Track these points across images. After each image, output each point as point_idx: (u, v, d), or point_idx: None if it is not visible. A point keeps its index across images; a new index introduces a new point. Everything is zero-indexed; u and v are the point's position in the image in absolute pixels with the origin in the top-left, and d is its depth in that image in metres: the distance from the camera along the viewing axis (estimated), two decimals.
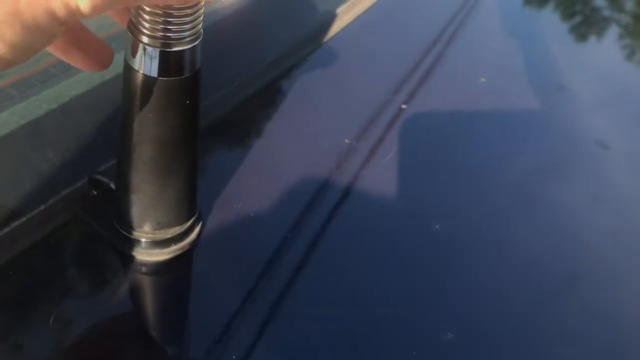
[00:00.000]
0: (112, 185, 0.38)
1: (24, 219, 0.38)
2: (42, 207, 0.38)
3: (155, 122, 0.31)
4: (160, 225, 0.36)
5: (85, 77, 0.48)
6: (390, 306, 0.39)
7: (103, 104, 0.46)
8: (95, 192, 0.40)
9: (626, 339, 0.42)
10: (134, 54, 0.29)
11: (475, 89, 0.62)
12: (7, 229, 0.37)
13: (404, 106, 0.53)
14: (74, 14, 0.21)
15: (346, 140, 0.49)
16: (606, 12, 0.93)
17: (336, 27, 0.61)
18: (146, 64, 0.29)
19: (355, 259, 0.41)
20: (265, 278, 0.38)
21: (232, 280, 0.38)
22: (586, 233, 0.50)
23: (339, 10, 0.63)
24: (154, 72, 0.29)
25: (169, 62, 0.29)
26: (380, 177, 0.47)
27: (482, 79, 0.63)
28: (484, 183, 0.51)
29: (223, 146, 0.46)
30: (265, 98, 0.52)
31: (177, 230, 0.37)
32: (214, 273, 0.38)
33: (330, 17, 0.62)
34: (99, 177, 0.39)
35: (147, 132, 0.31)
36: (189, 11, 0.27)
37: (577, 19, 0.87)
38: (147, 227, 0.36)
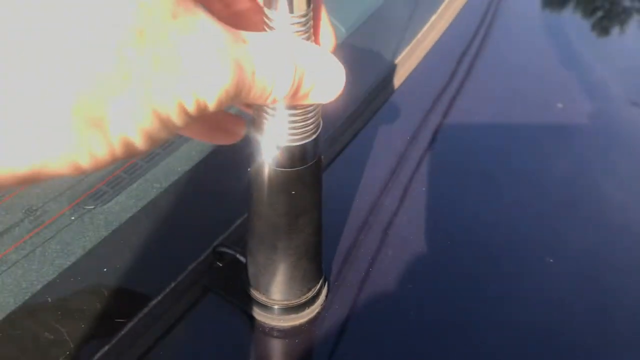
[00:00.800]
0: (239, 257, 0.40)
1: (158, 298, 0.39)
2: (172, 284, 0.40)
3: (283, 206, 0.32)
4: (294, 294, 0.37)
5: (185, 153, 0.50)
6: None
7: (208, 178, 0.48)
8: (220, 264, 0.41)
9: None
10: (259, 149, 0.30)
11: (511, 93, 0.62)
12: (143, 311, 0.38)
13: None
14: (202, 110, 0.22)
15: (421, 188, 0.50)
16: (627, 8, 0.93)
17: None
18: (273, 156, 0.30)
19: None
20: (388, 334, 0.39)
21: (362, 335, 0.39)
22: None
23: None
24: (280, 164, 0.30)
25: (293, 154, 0.30)
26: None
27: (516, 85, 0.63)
28: (531, 187, 0.51)
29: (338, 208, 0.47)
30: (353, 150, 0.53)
31: (309, 295, 0.38)
32: (346, 334, 0.39)
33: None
34: (223, 248, 0.41)
35: (276, 215, 0.33)
36: (310, 107, 0.29)
37: (600, 13, 0.87)
38: (279, 297, 0.37)
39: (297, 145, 0.29)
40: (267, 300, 0.37)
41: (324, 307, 0.39)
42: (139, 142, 0.21)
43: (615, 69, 0.73)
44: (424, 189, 0.50)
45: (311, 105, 0.28)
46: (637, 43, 0.83)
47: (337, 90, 0.26)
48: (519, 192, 0.51)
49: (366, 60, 0.63)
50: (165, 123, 0.21)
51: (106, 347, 0.36)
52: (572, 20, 0.84)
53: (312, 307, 0.38)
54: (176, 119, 0.21)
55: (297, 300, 0.37)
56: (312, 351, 0.38)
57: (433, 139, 0.55)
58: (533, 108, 0.62)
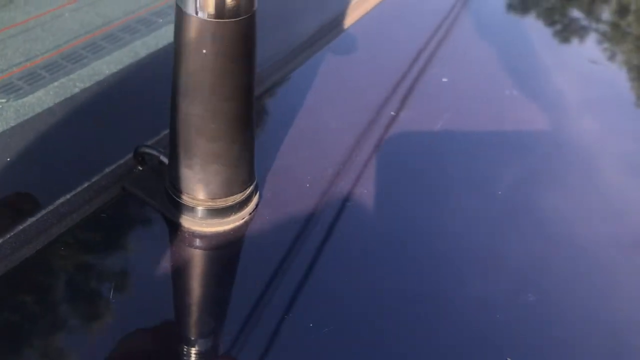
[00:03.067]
0: (162, 158, 0.36)
1: (68, 195, 0.35)
2: (87, 184, 0.36)
3: (211, 72, 0.29)
4: (219, 194, 0.34)
5: (117, 58, 0.46)
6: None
7: (138, 82, 0.44)
8: (141, 168, 0.38)
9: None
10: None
11: (460, 96, 0.60)
12: (51, 207, 0.35)
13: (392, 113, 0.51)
14: None
15: (392, 113, 0.48)
16: (584, 22, 0.94)
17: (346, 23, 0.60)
18: (200, 6, 0.27)
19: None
20: (321, 252, 0.36)
21: (288, 249, 0.36)
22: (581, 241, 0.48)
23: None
24: (209, 14, 0.27)
25: (224, 1, 0.27)
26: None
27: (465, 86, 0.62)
28: (473, 193, 0.49)
29: (275, 114, 0.44)
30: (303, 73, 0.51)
31: (236, 198, 0.35)
32: (271, 245, 0.36)
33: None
34: (147, 149, 0.37)
35: (201, 88, 0.29)
36: None
37: (557, 27, 0.88)
38: (204, 195, 0.34)
39: None
40: (191, 201, 0.34)
41: (252, 216, 0.36)
42: None
43: (569, 80, 0.72)
44: (371, 134, 0.47)
45: None
46: (591, 55, 0.83)
47: None
48: (462, 197, 0.48)
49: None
50: None
51: (6, 236, 0.32)
52: (531, 31, 0.84)
53: (240, 214, 0.35)
54: None
55: (222, 203, 0.34)
56: (234, 261, 0.35)
57: (380, 86, 0.53)
58: (481, 112, 0.60)
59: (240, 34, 0.28)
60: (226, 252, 0.35)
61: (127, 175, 0.37)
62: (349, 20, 0.57)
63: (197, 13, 0.27)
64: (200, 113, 0.30)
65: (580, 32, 0.88)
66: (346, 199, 0.39)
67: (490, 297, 0.38)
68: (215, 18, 0.27)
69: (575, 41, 0.85)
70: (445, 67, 0.61)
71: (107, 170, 0.37)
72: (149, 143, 0.39)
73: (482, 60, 0.68)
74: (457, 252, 0.39)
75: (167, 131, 0.36)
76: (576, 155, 0.59)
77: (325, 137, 0.44)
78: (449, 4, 0.70)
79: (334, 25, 0.56)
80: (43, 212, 0.34)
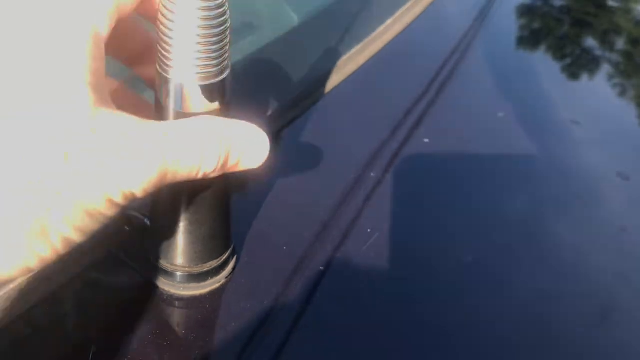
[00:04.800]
0: (147, 221, 0.38)
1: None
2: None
3: None
4: (196, 261, 0.36)
5: None
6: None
7: None
8: (127, 229, 0.39)
9: None
10: (164, 90, 0.29)
11: (464, 129, 0.62)
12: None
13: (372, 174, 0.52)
14: (129, 199, 0.26)
15: (372, 174, 0.49)
16: (598, 52, 0.96)
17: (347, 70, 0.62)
18: (176, 99, 0.29)
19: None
20: (302, 311, 0.38)
21: (266, 312, 0.37)
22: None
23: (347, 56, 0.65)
24: (187, 107, 0.29)
25: (197, 95, 0.29)
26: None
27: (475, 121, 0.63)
28: (490, 220, 0.51)
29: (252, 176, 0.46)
30: (287, 134, 0.53)
31: (213, 264, 0.36)
32: (250, 307, 0.37)
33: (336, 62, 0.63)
34: (132, 213, 0.39)
35: None
36: (214, 47, 0.28)
37: (569, 60, 0.89)
38: (182, 262, 0.36)
39: (206, 85, 0.28)
40: (169, 266, 0.36)
41: (229, 280, 0.38)
42: (75, 236, 0.25)
43: (579, 113, 0.74)
44: (350, 183, 0.49)
45: (218, 35, 0.27)
46: (603, 90, 0.84)
47: (263, 157, 0.30)
48: (469, 223, 0.50)
49: (312, 53, 0.62)
50: (96, 216, 0.25)
51: None
52: (542, 63, 0.85)
53: (217, 278, 0.37)
54: (106, 211, 0.25)
55: (199, 269, 0.36)
56: (212, 323, 0.37)
57: (365, 145, 0.54)
58: (485, 142, 0.62)
59: None
60: (204, 314, 0.37)
61: (113, 236, 0.39)
62: (331, 83, 0.59)
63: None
64: (177, 191, 0.32)
65: (592, 64, 0.89)
66: (323, 263, 0.41)
67: (497, 326, 0.40)
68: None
69: (585, 73, 0.86)
70: (454, 100, 0.62)
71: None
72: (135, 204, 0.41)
73: (490, 88, 0.69)
74: (463, 283, 0.41)
75: None
76: (585, 186, 0.59)
77: (304, 199, 0.46)
78: (457, 35, 0.72)
79: (316, 87, 0.58)
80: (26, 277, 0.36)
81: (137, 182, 0.25)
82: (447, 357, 0.39)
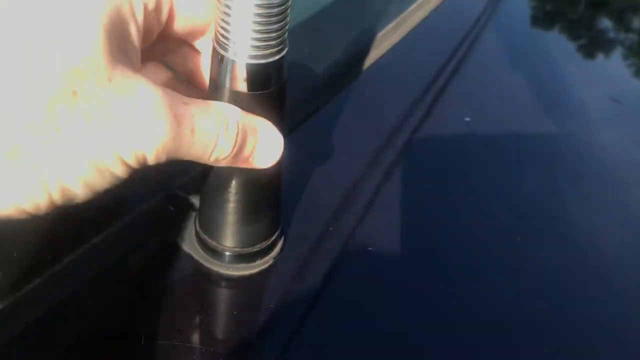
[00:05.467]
0: (193, 201, 0.38)
1: (103, 235, 0.37)
2: (121, 223, 0.38)
3: None
4: (245, 242, 0.35)
5: None
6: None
7: None
8: (172, 208, 0.39)
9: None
10: (221, 69, 0.28)
11: (484, 110, 0.61)
12: (86, 246, 0.36)
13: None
14: (141, 162, 0.24)
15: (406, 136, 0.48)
16: (612, 34, 0.93)
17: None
18: (234, 80, 0.28)
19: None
20: (344, 294, 0.37)
21: (314, 292, 0.37)
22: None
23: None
24: (241, 87, 0.28)
25: (256, 76, 0.28)
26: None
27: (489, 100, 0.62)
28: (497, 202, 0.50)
29: (301, 157, 0.46)
30: (325, 113, 0.52)
31: (262, 245, 0.36)
32: (298, 287, 0.37)
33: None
34: (178, 192, 0.39)
35: None
36: (275, 25, 0.27)
37: (583, 40, 0.87)
38: (231, 242, 0.35)
39: (260, 65, 0.27)
40: (218, 246, 0.35)
41: (277, 260, 0.37)
42: (79, 189, 0.23)
43: (594, 94, 0.72)
44: (389, 166, 0.48)
45: (276, 15, 0.26)
46: (617, 70, 0.83)
47: (276, 157, 0.30)
48: (485, 203, 0.49)
49: (349, 28, 0.61)
50: (105, 174, 0.23)
51: (36, 281, 0.33)
52: (558, 43, 0.83)
53: (265, 259, 0.36)
54: (116, 170, 0.24)
55: (249, 249, 0.35)
56: (261, 303, 0.36)
57: (408, 116, 0.53)
58: (508, 122, 0.61)
59: (272, 104, 0.29)
60: (253, 294, 0.37)
61: (157, 216, 0.38)
62: (368, 61, 0.58)
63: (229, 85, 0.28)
64: (229, 173, 0.32)
65: (607, 45, 0.88)
66: (369, 243, 0.40)
67: (508, 305, 0.40)
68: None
69: (601, 54, 0.84)
70: (469, 80, 0.61)
71: (137, 210, 0.39)
72: (179, 183, 0.40)
73: (505, 70, 0.68)
74: (477, 264, 0.41)
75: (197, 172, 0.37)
76: (602, 165, 0.58)
77: (347, 177, 0.45)
78: (468, 22, 0.70)
79: (353, 65, 0.57)
80: (75, 252, 0.35)
81: (151, 145, 0.24)
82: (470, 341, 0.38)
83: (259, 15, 0.26)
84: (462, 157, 0.53)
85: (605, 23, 0.94)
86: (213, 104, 0.27)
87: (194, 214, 0.37)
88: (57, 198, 0.23)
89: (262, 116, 0.29)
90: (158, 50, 0.30)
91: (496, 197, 0.50)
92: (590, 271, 0.46)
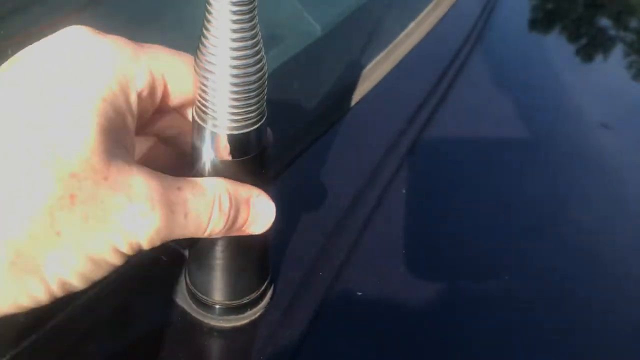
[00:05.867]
0: (184, 252, 0.38)
1: (96, 288, 0.38)
2: (113, 276, 0.38)
3: None
4: (234, 295, 0.36)
5: None
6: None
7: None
8: (165, 259, 0.40)
9: None
10: (200, 138, 0.29)
11: (487, 115, 0.62)
12: (80, 300, 0.37)
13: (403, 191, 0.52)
14: (136, 250, 0.25)
15: (403, 191, 0.49)
16: (612, 32, 0.94)
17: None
18: (213, 148, 0.29)
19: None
20: (339, 338, 0.38)
21: (305, 341, 0.37)
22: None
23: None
24: (223, 155, 0.29)
25: (235, 144, 0.29)
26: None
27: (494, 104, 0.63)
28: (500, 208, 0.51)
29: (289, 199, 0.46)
30: (315, 151, 0.52)
31: (252, 296, 0.36)
32: (289, 334, 0.37)
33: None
34: (170, 243, 0.39)
35: None
36: (252, 92, 0.27)
37: (583, 40, 0.88)
38: (220, 296, 0.36)
39: (239, 134, 0.28)
40: (208, 300, 0.36)
41: (267, 309, 0.38)
42: (76, 282, 0.24)
43: (594, 94, 0.73)
44: (379, 198, 0.48)
45: (253, 91, 0.27)
46: (617, 71, 0.83)
47: (268, 223, 0.31)
48: (484, 209, 0.50)
49: (338, 61, 0.62)
50: (101, 264, 0.25)
51: (31, 338, 0.34)
52: (557, 44, 0.84)
53: (255, 309, 0.37)
54: (112, 260, 0.25)
55: (238, 301, 0.36)
56: (252, 353, 0.37)
57: (397, 150, 0.54)
58: (507, 127, 0.62)
59: (254, 168, 0.30)
60: (244, 344, 0.37)
61: (149, 267, 0.39)
62: (357, 95, 0.59)
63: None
64: None
65: (607, 45, 0.88)
66: (359, 288, 0.41)
67: (508, 307, 0.41)
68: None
69: (600, 55, 0.85)
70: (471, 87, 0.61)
71: (129, 260, 0.39)
72: None
73: (505, 73, 0.69)
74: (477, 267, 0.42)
75: None
76: (602, 169, 0.59)
77: (338, 219, 0.45)
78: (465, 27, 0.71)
79: (342, 100, 0.58)
80: (69, 306, 0.36)
81: (144, 233, 0.25)
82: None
83: (236, 91, 0.27)
84: (456, 186, 0.53)
85: (604, 23, 0.95)
86: (205, 183, 0.28)
87: (184, 266, 0.38)
88: (57, 292, 0.24)
89: (247, 180, 0.30)
90: (154, 122, 0.31)
91: (496, 204, 0.50)
92: (593, 273, 0.47)
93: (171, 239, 0.27)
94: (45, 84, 0.24)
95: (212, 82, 0.26)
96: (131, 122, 0.26)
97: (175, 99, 0.29)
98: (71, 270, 0.24)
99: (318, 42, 0.60)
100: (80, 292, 0.35)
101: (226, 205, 0.28)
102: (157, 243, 0.26)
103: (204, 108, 0.28)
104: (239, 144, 0.28)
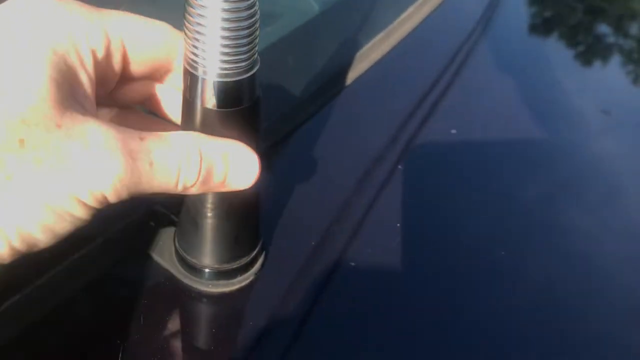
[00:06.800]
0: (173, 217, 0.37)
1: (82, 251, 0.37)
2: (101, 240, 0.38)
3: None
4: (224, 259, 0.35)
5: None
6: None
7: None
8: (153, 224, 0.39)
9: None
10: (191, 88, 0.28)
11: (484, 118, 0.61)
12: (66, 262, 0.36)
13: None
14: (101, 201, 0.25)
15: (399, 167, 0.48)
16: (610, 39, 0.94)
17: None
18: (205, 97, 0.28)
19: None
20: (328, 307, 0.37)
21: (295, 309, 0.37)
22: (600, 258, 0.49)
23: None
24: (212, 104, 0.28)
25: (227, 93, 0.28)
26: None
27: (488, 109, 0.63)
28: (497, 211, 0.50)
29: (279, 170, 0.46)
30: (309, 128, 0.52)
31: (242, 261, 0.36)
32: (278, 303, 0.36)
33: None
34: (159, 208, 0.38)
35: None
36: (243, 41, 0.27)
37: (581, 47, 0.88)
38: (209, 260, 0.35)
39: (230, 82, 0.27)
40: (197, 264, 0.35)
41: (258, 276, 0.37)
42: (40, 235, 0.24)
43: (592, 101, 0.73)
44: (373, 173, 0.48)
45: (244, 33, 0.26)
46: (615, 76, 0.83)
47: (252, 178, 0.30)
48: (481, 212, 0.49)
49: (334, 42, 0.61)
50: (64, 217, 0.24)
51: (15, 297, 0.33)
52: (555, 50, 0.84)
53: (245, 275, 0.36)
54: (76, 212, 0.24)
55: (228, 266, 0.35)
56: (240, 320, 0.36)
57: (390, 130, 0.54)
58: (502, 130, 0.61)
59: (244, 121, 0.29)
60: (232, 311, 0.36)
61: (137, 232, 0.38)
62: (353, 74, 0.58)
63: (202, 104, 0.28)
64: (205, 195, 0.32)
65: (604, 52, 0.88)
66: (351, 259, 0.40)
67: (505, 312, 0.40)
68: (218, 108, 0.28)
69: (598, 61, 0.85)
70: (465, 86, 0.60)
71: (117, 225, 0.38)
72: (160, 199, 0.40)
73: (496, 83, 0.68)
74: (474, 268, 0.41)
75: None
76: (599, 173, 0.59)
77: (331, 193, 0.45)
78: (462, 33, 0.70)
79: (338, 78, 0.57)
80: (55, 269, 0.35)
81: (107, 183, 0.24)
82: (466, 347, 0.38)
83: (227, 31, 0.26)
84: (453, 169, 0.53)
85: (603, 29, 0.95)
86: (172, 135, 0.27)
87: (174, 230, 0.37)
88: (19, 245, 0.23)
89: (235, 133, 0.29)
90: (125, 92, 0.31)
91: (491, 207, 0.50)
92: (588, 279, 0.46)
93: (141, 192, 0.26)
94: None
95: (203, 25, 0.26)
96: (87, 81, 0.26)
97: (138, 66, 0.29)
98: (30, 219, 0.23)
99: (315, 20, 0.59)
100: (64, 253, 0.36)
101: (195, 156, 0.27)
102: (125, 194, 0.25)
103: (193, 54, 0.27)
104: (230, 93, 0.28)
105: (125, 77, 0.29)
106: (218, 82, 0.27)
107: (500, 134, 0.59)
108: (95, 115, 0.25)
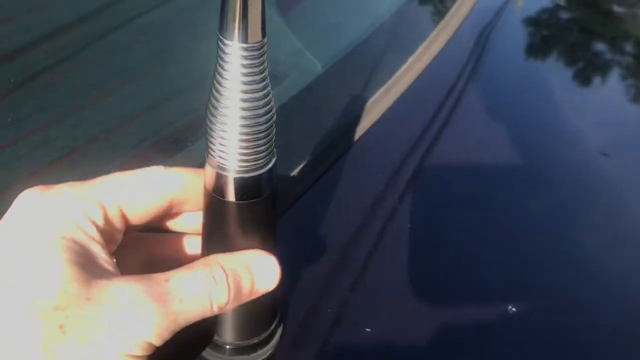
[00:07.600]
0: None
1: None
2: None
3: (233, 242, 0.31)
4: (244, 336, 0.36)
5: None
6: None
7: None
8: None
9: None
10: (211, 181, 0.29)
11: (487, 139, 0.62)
12: None
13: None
14: (149, 349, 0.26)
15: (408, 225, 0.49)
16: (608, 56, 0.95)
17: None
18: (224, 190, 0.29)
19: None
20: None
21: None
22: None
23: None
24: (231, 197, 0.29)
25: (244, 186, 0.29)
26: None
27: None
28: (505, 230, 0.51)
29: (294, 236, 0.47)
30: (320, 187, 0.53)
31: (261, 336, 0.37)
32: None
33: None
34: None
35: (230, 249, 0.32)
36: (260, 135, 0.28)
37: (580, 64, 0.89)
38: (230, 337, 0.36)
39: (248, 177, 0.29)
40: (218, 340, 0.36)
41: (277, 349, 0.38)
42: None
43: (592, 120, 0.74)
44: (384, 232, 0.49)
45: (261, 133, 0.28)
46: (615, 94, 0.84)
47: (276, 279, 0.32)
48: (488, 238, 0.50)
49: (340, 98, 0.63)
50: None
51: None
52: (554, 70, 0.85)
53: (265, 348, 0.37)
54: None
55: (248, 342, 0.36)
56: None
57: (404, 182, 0.55)
58: (507, 156, 0.62)
59: (263, 211, 0.31)
60: None
61: None
62: (360, 129, 0.60)
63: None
64: None
65: (604, 69, 0.89)
66: (365, 325, 0.41)
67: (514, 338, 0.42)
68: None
69: (598, 79, 0.86)
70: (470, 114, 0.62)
71: None
72: None
73: (503, 101, 0.69)
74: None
75: None
76: (602, 192, 0.58)
77: (344, 257, 0.46)
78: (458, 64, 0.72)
79: (345, 136, 0.59)
80: None
81: (148, 332, 0.26)
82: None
83: (245, 133, 0.27)
84: (459, 217, 0.54)
85: (600, 48, 0.96)
86: (194, 265, 0.29)
87: None
88: None
89: (255, 224, 0.31)
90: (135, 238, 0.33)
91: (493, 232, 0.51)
92: (597, 294, 0.47)
93: (182, 325, 0.27)
94: (5, 251, 0.26)
95: (222, 125, 0.27)
96: (99, 249, 0.28)
97: (140, 219, 0.31)
98: None
99: (319, 79, 0.61)
100: None
101: (221, 277, 0.29)
102: (167, 335, 0.27)
103: (212, 152, 0.28)
104: (250, 187, 0.29)
105: (132, 228, 0.31)
106: (237, 177, 0.28)
107: (505, 163, 0.61)
108: (118, 272, 0.28)
